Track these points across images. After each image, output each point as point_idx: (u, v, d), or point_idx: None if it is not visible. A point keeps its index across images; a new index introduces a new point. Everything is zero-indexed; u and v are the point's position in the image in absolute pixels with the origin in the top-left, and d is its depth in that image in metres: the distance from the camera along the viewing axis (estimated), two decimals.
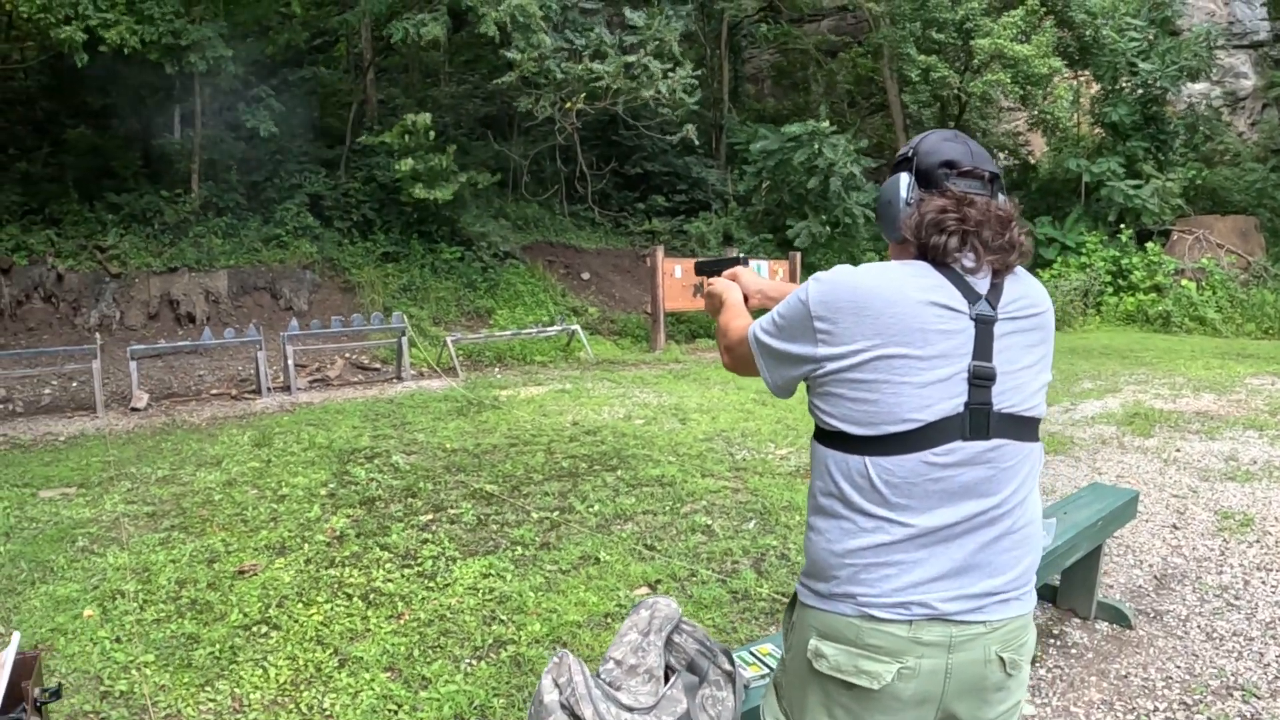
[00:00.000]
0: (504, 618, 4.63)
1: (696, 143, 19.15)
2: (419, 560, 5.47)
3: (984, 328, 1.81)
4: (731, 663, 2.53)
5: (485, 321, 17.02)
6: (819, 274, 1.89)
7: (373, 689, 3.89)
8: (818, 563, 1.89)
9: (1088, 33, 22.10)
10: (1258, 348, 15.94)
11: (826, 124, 20.45)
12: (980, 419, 1.80)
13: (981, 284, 1.84)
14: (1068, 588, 4.72)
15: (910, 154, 1.99)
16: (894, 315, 1.78)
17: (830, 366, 1.82)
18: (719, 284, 2.42)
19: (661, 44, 17.64)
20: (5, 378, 12.25)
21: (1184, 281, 20.10)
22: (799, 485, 6.90)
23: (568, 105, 17.30)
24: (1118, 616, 4.58)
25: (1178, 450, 8.10)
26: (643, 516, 6.28)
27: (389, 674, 4.05)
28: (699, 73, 18.64)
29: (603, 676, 2.44)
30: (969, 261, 1.83)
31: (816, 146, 20.07)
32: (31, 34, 13.63)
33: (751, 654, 2.84)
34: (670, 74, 17.49)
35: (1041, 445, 1.94)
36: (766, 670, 2.72)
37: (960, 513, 1.80)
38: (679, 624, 2.64)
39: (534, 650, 4.23)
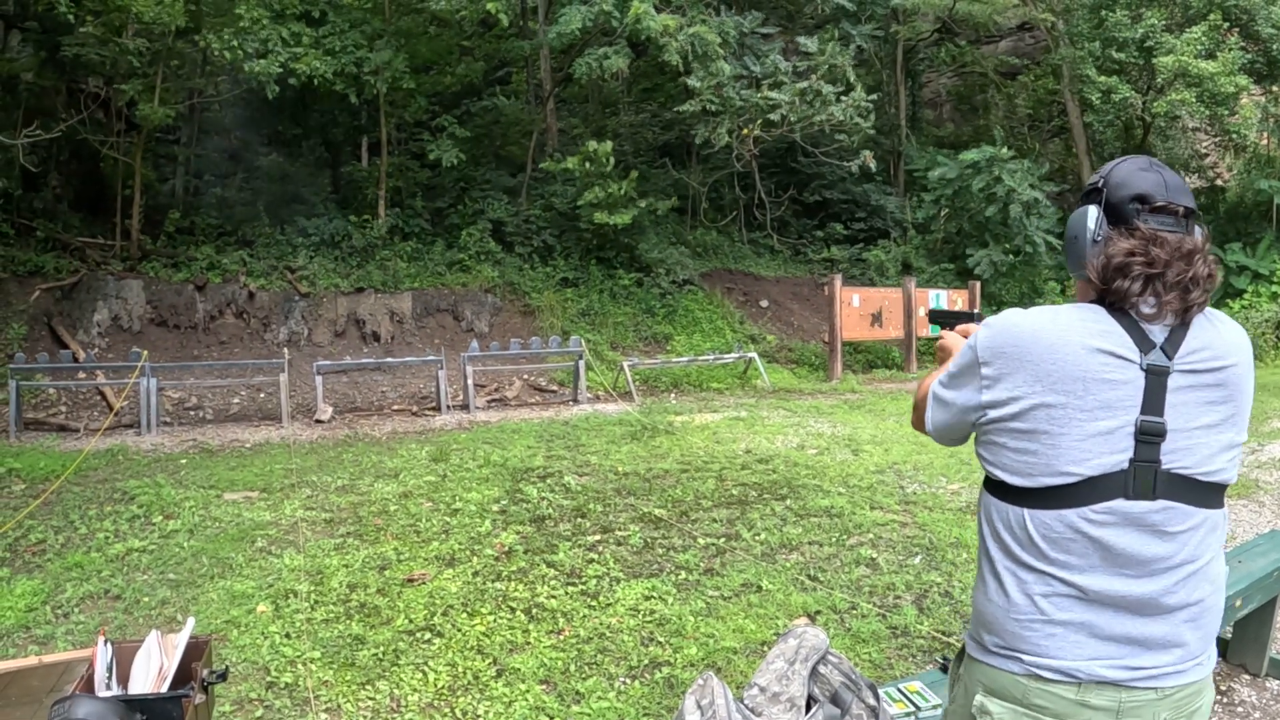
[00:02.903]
0: (662, 640, 4.59)
1: (874, 168, 18.87)
2: (583, 579, 5.49)
3: (1155, 379, 1.68)
4: (876, 698, 2.45)
5: (662, 347, 17.11)
6: (990, 318, 1.82)
7: (526, 700, 3.92)
8: (984, 616, 1.83)
9: (1275, 47, 20.77)
10: None
11: (1004, 150, 19.87)
12: (1146, 477, 1.68)
13: (1159, 332, 1.71)
14: (1239, 641, 4.40)
15: (1100, 184, 1.84)
16: (1055, 362, 1.69)
17: (993, 414, 1.76)
18: (949, 339, 2.26)
19: (834, 69, 17.47)
20: (197, 387, 12.99)
21: None
22: (968, 521, 6.64)
23: (745, 132, 17.28)
24: None
25: None
26: (808, 547, 6.15)
27: (544, 686, 4.07)
28: (874, 97, 18.37)
29: (746, 702, 2.38)
30: (1148, 308, 1.71)
31: (995, 173, 19.51)
32: (225, 68, 14.52)
33: (899, 691, 2.77)
34: (843, 97, 17.31)
35: (1224, 512, 1.80)
36: (913, 709, 2.62)
37: (1130, 580, 1.70)
38: (826, 655, 2.57)
39: (688, 673, 4.18)
